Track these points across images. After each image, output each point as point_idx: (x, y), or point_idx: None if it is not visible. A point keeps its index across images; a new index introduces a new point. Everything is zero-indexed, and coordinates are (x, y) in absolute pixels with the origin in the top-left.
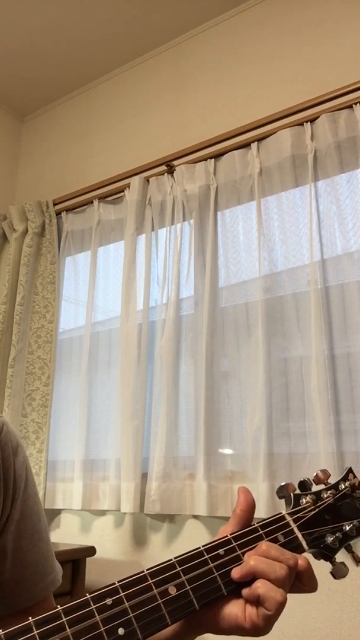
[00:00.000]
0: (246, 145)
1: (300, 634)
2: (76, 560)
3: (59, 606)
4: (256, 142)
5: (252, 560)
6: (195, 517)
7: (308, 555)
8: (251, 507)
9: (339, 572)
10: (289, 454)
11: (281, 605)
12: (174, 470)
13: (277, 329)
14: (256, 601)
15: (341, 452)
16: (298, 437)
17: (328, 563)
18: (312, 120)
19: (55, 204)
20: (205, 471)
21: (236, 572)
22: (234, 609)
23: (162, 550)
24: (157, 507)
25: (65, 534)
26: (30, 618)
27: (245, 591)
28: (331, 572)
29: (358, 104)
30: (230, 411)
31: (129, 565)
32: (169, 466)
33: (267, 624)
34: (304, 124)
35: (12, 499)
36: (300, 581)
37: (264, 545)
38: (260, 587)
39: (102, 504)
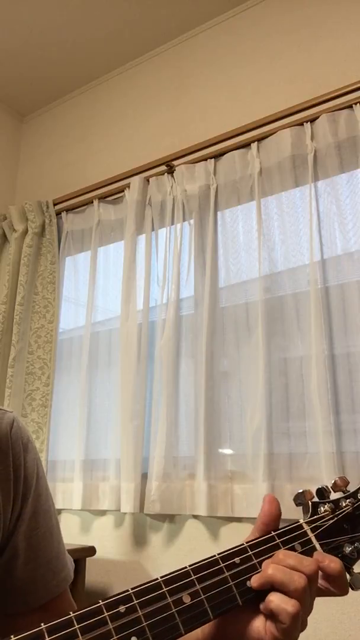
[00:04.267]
0: (246, 145)
1: (300, 634)
2: (76, 560)
3: (71, 612)
4: (256, 142)
5: (270, 568)
6: (195, 517)
7: None
8: (274, 518)
9: (357, 583)
10: (289, 454)
11: (294, 617)
12: (174, 470)
13: (277, 329)
14: (272, 615)
15: (341, 452)
16: (298, 437)
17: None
18: (312, 120)
19: (55, 204)
20: (205, 471)
21: (255, 581)
22: (257, 623)
23: (162, 550)
24: (157, 507)
25: (65, 534)
26: (42, 624)
27: (261, 606)
28: (349, 583)
29: (358, 104)
30: (230, 411)
31: (129, 565)
32: (169, 466)
33: (287, 636)
34: (304, 124)
35: (23, 497)
36: (328, 583)
37: (280, 554)
38: (273, 600)
39: (102, 504)
